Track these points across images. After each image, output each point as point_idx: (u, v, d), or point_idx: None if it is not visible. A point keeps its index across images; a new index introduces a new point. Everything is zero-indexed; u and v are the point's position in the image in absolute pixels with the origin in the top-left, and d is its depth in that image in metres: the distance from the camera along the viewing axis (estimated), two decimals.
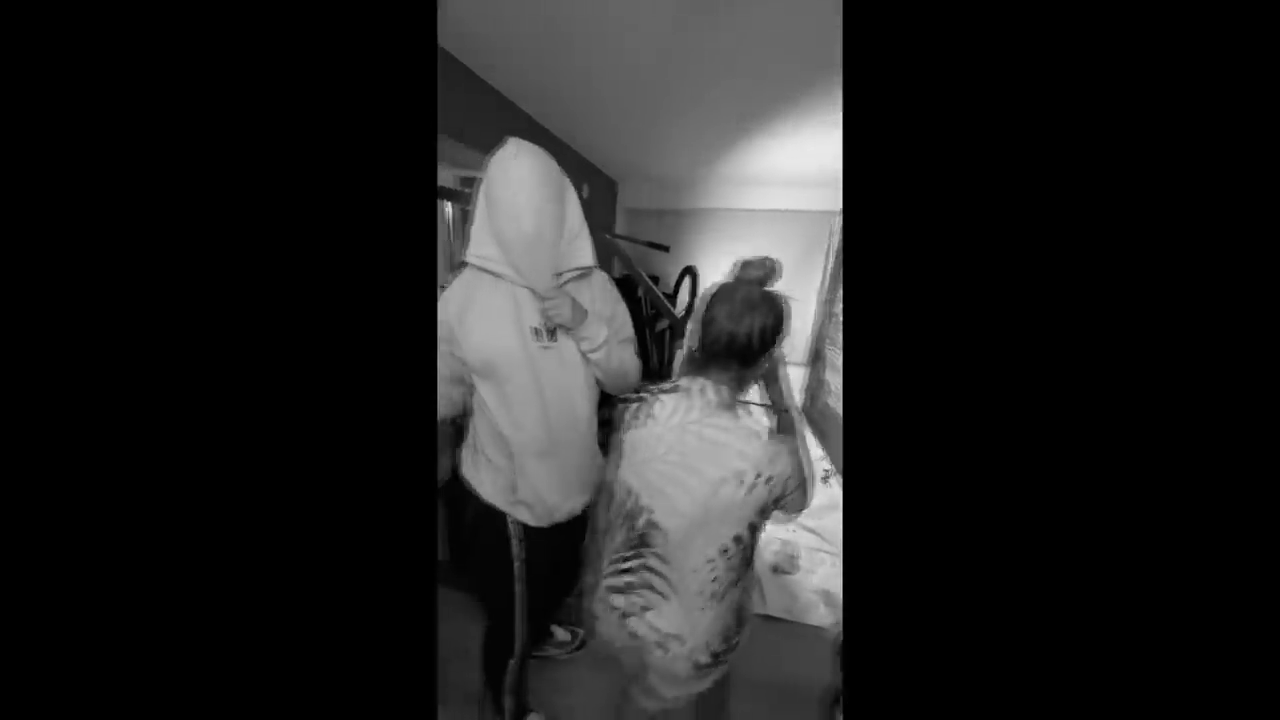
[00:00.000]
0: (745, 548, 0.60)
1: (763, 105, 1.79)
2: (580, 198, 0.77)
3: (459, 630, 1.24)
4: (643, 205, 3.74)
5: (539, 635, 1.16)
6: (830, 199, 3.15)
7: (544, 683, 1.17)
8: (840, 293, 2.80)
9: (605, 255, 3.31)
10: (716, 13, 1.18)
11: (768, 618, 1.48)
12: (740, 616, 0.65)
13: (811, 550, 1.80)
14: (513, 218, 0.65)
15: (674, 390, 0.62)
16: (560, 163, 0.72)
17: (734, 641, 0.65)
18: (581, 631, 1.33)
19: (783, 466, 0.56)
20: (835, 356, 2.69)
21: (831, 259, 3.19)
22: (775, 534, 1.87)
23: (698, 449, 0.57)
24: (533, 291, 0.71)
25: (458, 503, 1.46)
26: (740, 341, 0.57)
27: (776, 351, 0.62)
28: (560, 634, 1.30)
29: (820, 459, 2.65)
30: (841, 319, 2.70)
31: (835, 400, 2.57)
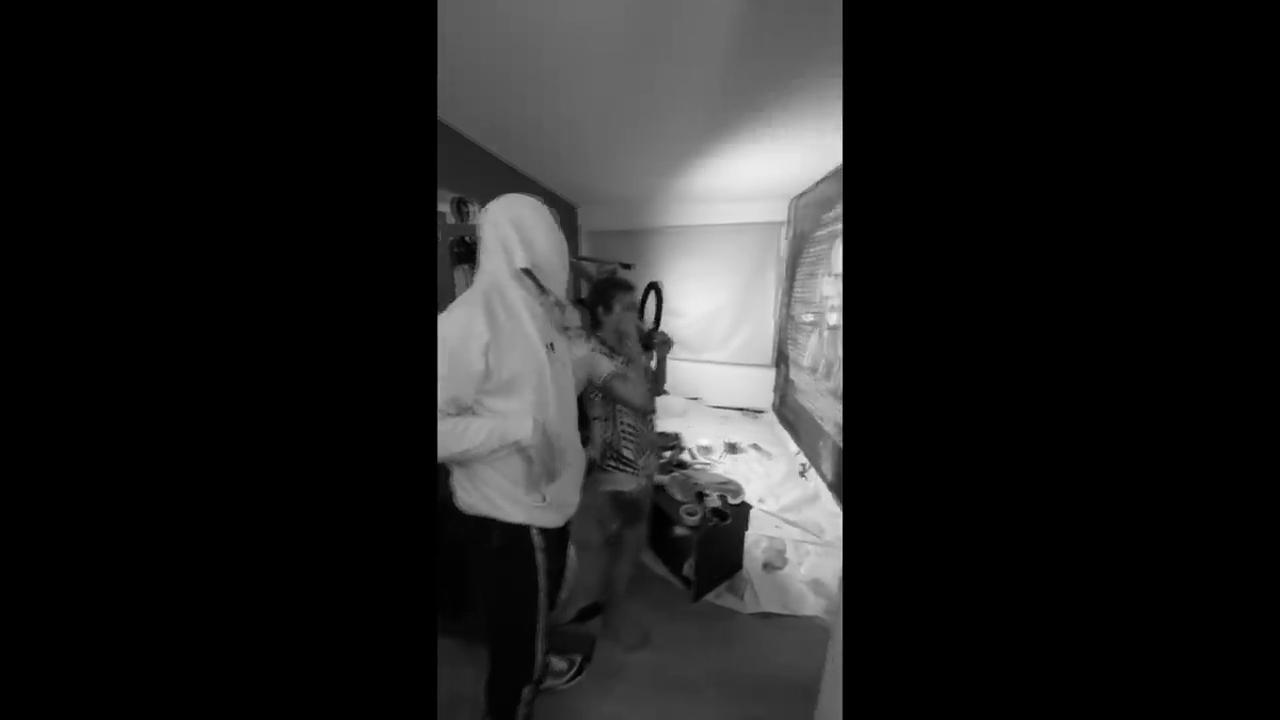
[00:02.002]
0: (599, 400, 1.23)
1: (711, 128, 1.92)
2: None
3: (451, 678, 1.19)
4: (603, 227, 3.83)
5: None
6: (777, 211, 3.34)
7: (546, 713, 1.14)
8: (795, 296, 2.97)
9: (573, 277, 3.32)
10: (664, 44, 1.27)
11: (764, 615, 1.51)
12: (603, 449, 1.26)
13: (797, 543, 1.86)
14: (550, 242, 0.83)
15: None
16: (524, 192, 0.86)
17: (607, 458, 1.26)
18: (579, 658, 1.31)
19: (590, 369, 1.15)
20: (799, 356, 2.83)
21: (782, 267, 3.38)
22: (762, 532, 1.91)
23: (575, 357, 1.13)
24: (557, 301, 0.87)
25: (444, 543, 1.42)
26: (588, 305, 1.27)
27: (615, 316, 1.20)
28: (558, 663, 1.28)
29: (795, 454, 2.74)
30: (799, 321, 2.85)
31: (804, 398, 2.69)
